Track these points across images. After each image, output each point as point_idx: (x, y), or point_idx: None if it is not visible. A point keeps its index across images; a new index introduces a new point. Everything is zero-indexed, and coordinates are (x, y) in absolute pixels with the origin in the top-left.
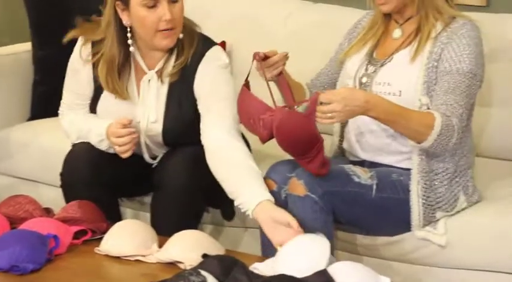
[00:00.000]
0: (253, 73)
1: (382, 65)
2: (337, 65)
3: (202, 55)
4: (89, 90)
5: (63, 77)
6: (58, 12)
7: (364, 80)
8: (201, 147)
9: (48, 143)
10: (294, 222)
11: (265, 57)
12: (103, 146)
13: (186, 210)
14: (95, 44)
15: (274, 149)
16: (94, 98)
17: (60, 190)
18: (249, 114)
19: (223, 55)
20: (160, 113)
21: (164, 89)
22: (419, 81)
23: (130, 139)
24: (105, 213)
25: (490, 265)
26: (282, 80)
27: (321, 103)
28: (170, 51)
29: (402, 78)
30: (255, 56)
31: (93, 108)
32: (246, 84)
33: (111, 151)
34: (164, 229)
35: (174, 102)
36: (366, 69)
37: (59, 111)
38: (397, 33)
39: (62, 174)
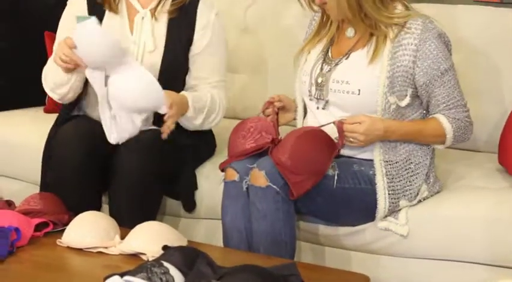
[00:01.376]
0: None
1: (336, 64)
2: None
3: None
4: None
5: (19, 71)
6: (9, 5)
7: (319, 80)
8: (158, 134)
9: (8, 136)
10: None
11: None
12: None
13: (139, 195)
14: None
15: None
16: None
17: (21, 183)
18: (256, 125)
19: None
20: (160, 43)
21: (162, 25)
22: (380, 82)
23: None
24: (88, 204)
25: (451, 255)
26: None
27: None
28: None
29: (361, 78)
30: (269, 105)
31: None
32: None
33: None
34: (119, 216)
35: (174, 36)
36: (321, 68)
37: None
38: (350, 32)
39: (50, 157)
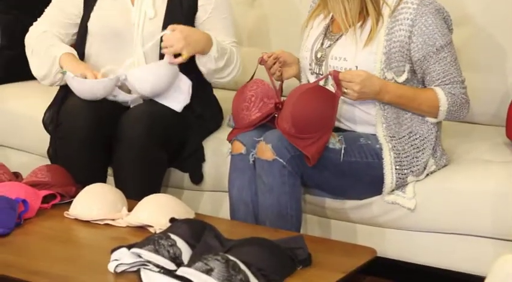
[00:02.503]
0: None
1: (337, 40)
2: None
3: None
4: (77, 7)
5: None
6: None
7: (319, 55)
8: (162, 106)
9: (16, 107)
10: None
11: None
12: (53, 70)
13: (144, 164)
14: None
15: None
16: (86, 13)
17: (29, 155)
18: (256, 93)
19: None
20: (160, 11)
21: None
22: (377, 58)
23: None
24: (94, 176)
25: (458, 229)
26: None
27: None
28: None
29: (358, 54)
30: (260, 60)
31: (84, 24)
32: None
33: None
34: (124, 186)
35: (175, 3)
36: (322, 44)
37: (34, 23)
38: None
39: (58, 126)
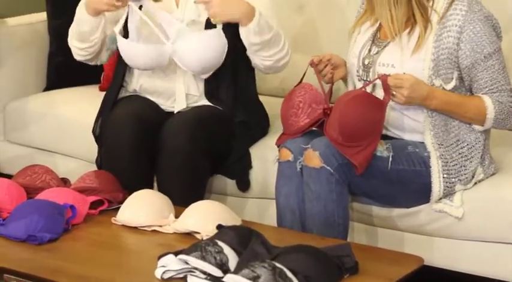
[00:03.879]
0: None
1: (385, 47)
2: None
3: None
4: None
5: None
6: None
7: (366, 61)
8: (205, 111)
9: (65, 113)
10: None
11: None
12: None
13: (185, 173)
14: None
15: None
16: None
17: (77, 161)
18: (304, 99)
19: None
20: (204, 13)
21: None
22: (425, 65)
23: None
24: (140, 182)
25: (506, 238)
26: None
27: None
28: None
29: (406, 61)
30: (311, 63)
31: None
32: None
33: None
34: (168, 194)
35: None
36: (370, 50)
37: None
38: None
39: (105, 138)
